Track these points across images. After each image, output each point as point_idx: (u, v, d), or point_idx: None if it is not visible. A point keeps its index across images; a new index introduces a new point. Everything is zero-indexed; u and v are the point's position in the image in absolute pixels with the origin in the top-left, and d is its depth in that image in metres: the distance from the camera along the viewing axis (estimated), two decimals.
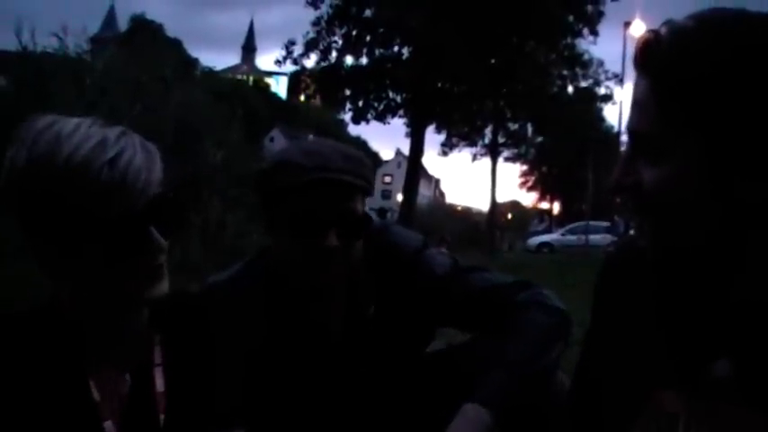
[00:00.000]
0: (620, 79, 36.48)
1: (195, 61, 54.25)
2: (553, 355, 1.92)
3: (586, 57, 34.92)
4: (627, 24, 35.98)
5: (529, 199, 78.40)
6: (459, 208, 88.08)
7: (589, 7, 32.29)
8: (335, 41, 32.01)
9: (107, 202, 1.33)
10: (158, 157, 1.42)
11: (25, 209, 1.36)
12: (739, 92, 1.09)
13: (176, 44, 56.98)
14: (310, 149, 1.93)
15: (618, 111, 38.06)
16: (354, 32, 31.64)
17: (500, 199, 49.45)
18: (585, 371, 1.51)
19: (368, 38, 31.66)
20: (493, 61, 30.83)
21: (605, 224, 32.60)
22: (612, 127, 48.44)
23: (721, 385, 1.18)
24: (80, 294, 1.45)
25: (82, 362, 1.46)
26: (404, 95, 32.33)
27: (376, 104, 32.51)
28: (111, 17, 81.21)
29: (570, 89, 36.61)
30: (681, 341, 1.26)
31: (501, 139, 37.18)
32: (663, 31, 1.18)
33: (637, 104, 1.22)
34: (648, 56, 1.19)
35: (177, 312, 1.59)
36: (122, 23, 75.38)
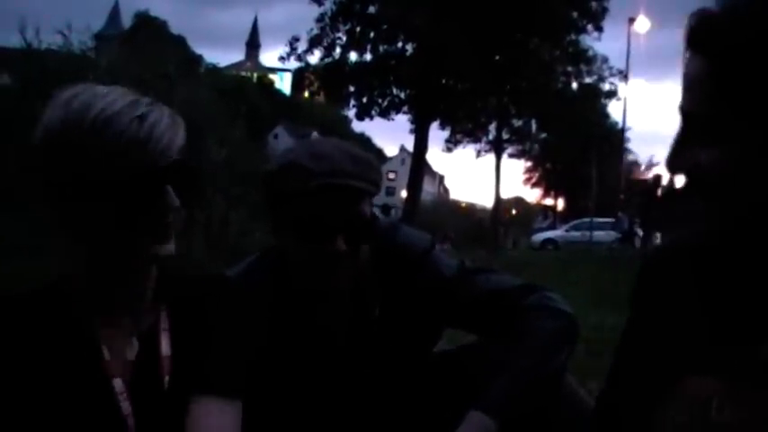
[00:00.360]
0: (624, 75, 36.45)
1: (199, 58, 54.26)
2: (560, 359, 1.91)
3: (591, 53, 34.87)
4: (631, 20, 36.03)
5: (533, 195, 78.34)
6: (464, 204, 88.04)
7: (593, 4, 32.25)
8: (339, 38, 32.00)
9: (131, 153, 1.43)
10: (183, 128, 1.52)
11: (52, 165, 1.45)
12: None
13: (180, 41, 57.06)
14: (318, 152, 1.90)
15: (622, 107, 37.94)
16: (358, 29, 31.61)
17: (504, 195, 49.51)
18: (623, 360, 1.50)
19: (372, 34, 31.63)
20: (497, 58, 30.78)
21: (609, 220, 32.49)
22: (617, 123, 48.41)
23: (762, 369, 1.17)
24: (94, 256, 1.55)
25: (93, 326, 1.57)
26: (408, 92, 32.29)
27: (380, 101, 32.48)
28: (115, 14, 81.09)
29: (574, 85, 36.56)
30: (725, 325, 1.25)
31: (505, 136, 37.14)
32: (717, 8, 1.16)
33: (690, 84, 1.20)
34: (703, 36, 1.17)
35: (183, 283, 1.69)
36: (126, 20, 75.51)
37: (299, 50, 32.19)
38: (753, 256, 1.25)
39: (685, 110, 1.21)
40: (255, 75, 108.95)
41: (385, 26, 31.01)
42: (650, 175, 33.62)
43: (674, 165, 1.25)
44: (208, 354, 1.66)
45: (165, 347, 1.63)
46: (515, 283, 2.07)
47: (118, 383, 1.56)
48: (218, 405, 1.62)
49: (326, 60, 32.41)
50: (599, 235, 29.14)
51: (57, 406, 1.50)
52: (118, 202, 1.46)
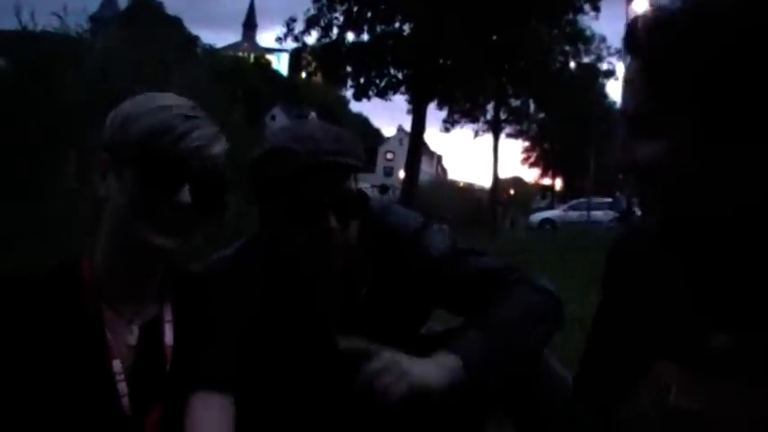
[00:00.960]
0: (622, 55, 36.34)
1: (195, 39, 54.07)
2: (538, 332, 1.93)
3: (588, 33, 34.82)
4: (629, 0, 35.91)
5: (531, 175, 78.62)
6: (462, 184, 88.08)
7: None
8: (336, 18, 31.86)
9: (159, 143, 1.61)
10: (221, 142, 1.73)
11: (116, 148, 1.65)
12: (727, 66, 1.12)
13: (176, 22, 56.78)
14: (299, 134, 1.92)
15: (620, 87, 37.93)
16: (355, 9, 31.48)
17: (502, 175, 49.56)
18: (594, 345, 1.54)
19: (369, 14, 31.50)
20: (494, 38, 30.69)
21: (607, 200, 32.54)
22: (615, 103, 48.30)
23: (717, 358, 1.20)
24: (111, 245, 1.67)
25: (98, 310, 1.67)
26: (405, 72, 32.20)
27: (377, 81, 32.39)
28: None
29: (572, 65, 36.55)
30: (682, 313, 1.28)
31: (503, 116, 37.10)
32: (650, 12, 1.22)
33: (629, 86, 1.26)
34: (639, 37, 1.23)
35: (187, 278, 1.83)
36: (122, 2, 75.18)
37: (297, 31, 32.09)
38: (701, 244, 1.28)
39: (624, 110, 1.28)
40: (252, 56, 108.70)
41: (382, 6, 30.88)
42: None
43: (617, 164, 1.32)
44: (206, 347, 1.77)
45: (168, 337, 1.72)
46: (501, 263, 2.09)
47: (117, 364, 1.64)
48: (213, 398, 1.72)
49: (324, 41, 32.32)
50: (597, 215, 29.19)
51: (56, 380, 1.57)
52: (141, 190, 1.60)
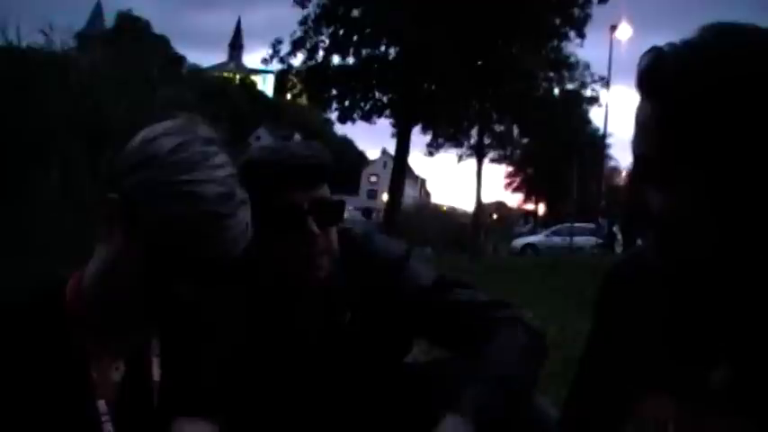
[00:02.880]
0: (606, 82, 36.60)
1: (182, 59, 54.03)
2: (531, 373, 1.93)
3: (573, 59, 35.00)
4: (613, 28, 36.23)
5: (514, 200, 78.55)
6: (445, 208, 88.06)
7: (576, 10, 32.33)
8: (322, 41, 31.96)
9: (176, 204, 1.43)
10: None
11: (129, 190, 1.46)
12: (740, 120, 1.10)
13: (163, 41, 56.81)
14: (271, 147, 1.99)
15: (604, 113, 38.13)
16: (341, 32, 31.58)
17: (485, 200, 49.50)
18: (585, 374, 1.52)
19: (355, 38, 31.61)
20: (479, 63, 30.82)
21: (590, 226, 32.65)
22: (598, 129, 48.63)
23: (715, 393, 1.19)
24: (111, 281, 1.52)
25: (83, 344, 1.54)
26: (390, 96, 32.29)
27: (362, 104, 32.44)
28: (97, 13, 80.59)
29: (556, 91, 36.69)
30: (680, 348, 1.27)
31: (487, 141, 37.11)
32: (665, 54, 1.19)
33: (640, 128, 1.23)
34: (652, 80, 1.19)
35: (173, 307, 1.61)
36: (108, 20, 75.06)
37: (282, 53, 32.16)
38: (698, 285, 1.27)
39: (636, 152, 1.24)
40: (238, 76, 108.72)
41: (368, 30, 31.00)
42: None
43: (629, 204, 1.29)
44: (191, 374, 1.66)
45: (155, 373, 1.62)
46: (485, 298, 2.08)
47: (102, 405, 1.54)
48: (198, 424, 1.63)
49: (309, 63, 32.38)
50: (579, 240, 29.27)
51: (38, 422, 1.48)
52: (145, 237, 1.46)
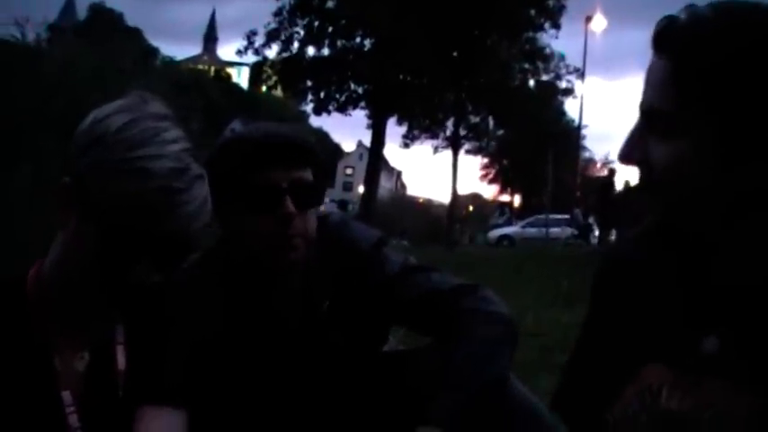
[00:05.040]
0: (581, 73, 36.71)
1: (155, 51, 53.64)
2: (503, 363, 1.92)
3: (548, 51, 35.12)
4: (588, 19, 36.30)
5: (490, 191, 78.63)
6: (421, 200, 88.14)
7: (551, 2, 32.45)
8: (297, 32, 31.92)
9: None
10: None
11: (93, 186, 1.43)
12: (756, 78, 1.15)
13: (136, 33, 56.37)
14: (252, 126, 1.98)
15: (579, 104, 38.24)
16: (316, 23, 31.53)
17: (461, 191, 49.62)
18: (581, 353, 1.55)
19: (330, 29, 31.56)
20: (454, 54, 30.87)
21: (565, 217, 32.73)
22: (573, 120, 48.76)
23: (708, 360, 1.23)
24: (71, 267, 1.49)
25: (46, 334, 1.51)
26: (365, 87, 32.29)
27: (337, 96, 32.45)
28: (69, 5, 79.82)
29: (531, 83, 36.80)
30: (673, 318, 1.31)
31: (462, 132, 37.17)
32: (683, 15, 1.24)
33: (653, 84, 1.27)
34: (669, 38, 1.24)
35: (139, 295, 1.58)
36: (81, 12, 74.34)
37: (257, 44, 32.12)
38: (694, 249, 1.31)
39: (645, 106, 1.28)
40: (213, 69, 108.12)
41: (343, 21, 30.96)
42: (606, 172, 34.01)
43: (626, 156, 1.32)
44: (158, 361, 1.64)
45: (120, 362, 1.60)
46: (453, 282, 2.07)
47: (66, 396, 1.52)
48: (164, 411, 1.61)
49: (284, 55, 32.30)
50: (555, 231, 29.34)
51: (2, 414, 1.46)
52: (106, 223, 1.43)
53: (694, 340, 1.26)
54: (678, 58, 1.22)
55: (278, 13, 31.66)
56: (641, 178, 1.31)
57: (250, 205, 1.92)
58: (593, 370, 1.44)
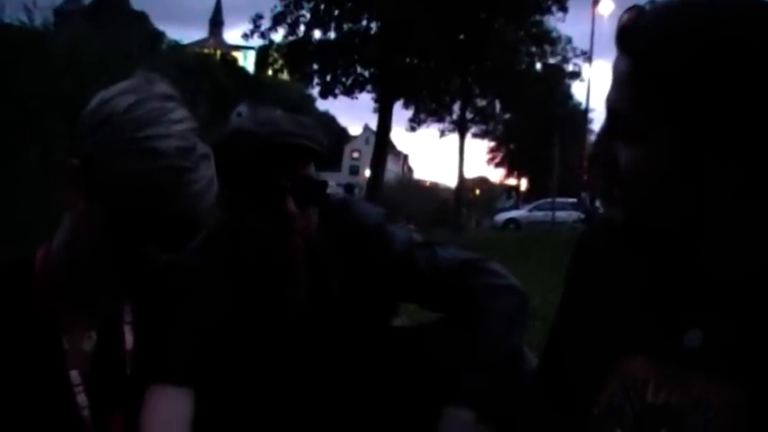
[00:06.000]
0: (588, 57, 36.58)
1: (161, 35, 53.54)
2: (517, 334, 1.96)
3: (555, 34, 34.94)
4: (595, 2, 36.16)
5: (496, 175, 78.56)
6: (427, 184, 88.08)
7: None
8: (303, 15, 31.75)
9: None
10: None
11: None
12: (715, 81, 1.11)
13: (143, 17, 56.23)
14: (261, 118, 1.94)
15: (586, 88, 38.13)
16: (322, 6, 31.38)
17: (468, 175, 49.49)
18: (556, 341, 1.54)
19: (336, 12, 31.42)
20: (461, 37, 30.72)
21: (572, 200, 32.68)
22: (580, 104, 48.67)
23: (691, 354, 1.22)
24: (78, 246, 1.51)
25: (54, 314, 1.52)
26: (372, 71, 32.16)
27: (344, 79, 32.31)
28: None
29: (538, 66, 36.63)
30: (655, 311, 1.29)
31: (469, 116, 37.07)
32: (646, 12, 1.20)
33: (614, 82, 1.24)
34: (630, 37, 1.20)
35: (147, 275, 1.59)
36: None
37: (263, 28, 31.96)
38: (667, 249, 1.29)
39: (610, 106, 1.25)
40: (219, 53, 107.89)
41: (349, 4, 30.82)
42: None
43: (595, 158, 1.30)
44: (165, 341, 1.66)
45: (127, 341, 1.62)
46: (461, 257, 2.10)
47: (74, 375, 1.53)
48: (171, 390, 1.64)
49: (290, 38, 32.19)
50: (561, 215, 29.29)
51: (10, 393, 1.47)
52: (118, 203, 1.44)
53: (676, 333, 1.24)
54: (636, 59, 1.18)
55: None
56: (607, 177, 1.27)
57: (252, 201, 1.93)
58: (570, 359, 1.43)
